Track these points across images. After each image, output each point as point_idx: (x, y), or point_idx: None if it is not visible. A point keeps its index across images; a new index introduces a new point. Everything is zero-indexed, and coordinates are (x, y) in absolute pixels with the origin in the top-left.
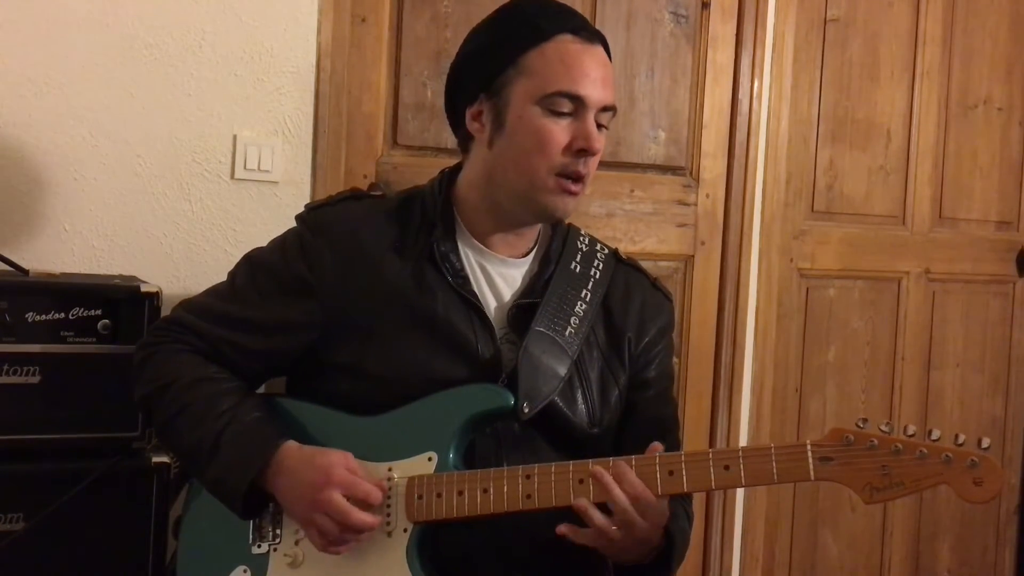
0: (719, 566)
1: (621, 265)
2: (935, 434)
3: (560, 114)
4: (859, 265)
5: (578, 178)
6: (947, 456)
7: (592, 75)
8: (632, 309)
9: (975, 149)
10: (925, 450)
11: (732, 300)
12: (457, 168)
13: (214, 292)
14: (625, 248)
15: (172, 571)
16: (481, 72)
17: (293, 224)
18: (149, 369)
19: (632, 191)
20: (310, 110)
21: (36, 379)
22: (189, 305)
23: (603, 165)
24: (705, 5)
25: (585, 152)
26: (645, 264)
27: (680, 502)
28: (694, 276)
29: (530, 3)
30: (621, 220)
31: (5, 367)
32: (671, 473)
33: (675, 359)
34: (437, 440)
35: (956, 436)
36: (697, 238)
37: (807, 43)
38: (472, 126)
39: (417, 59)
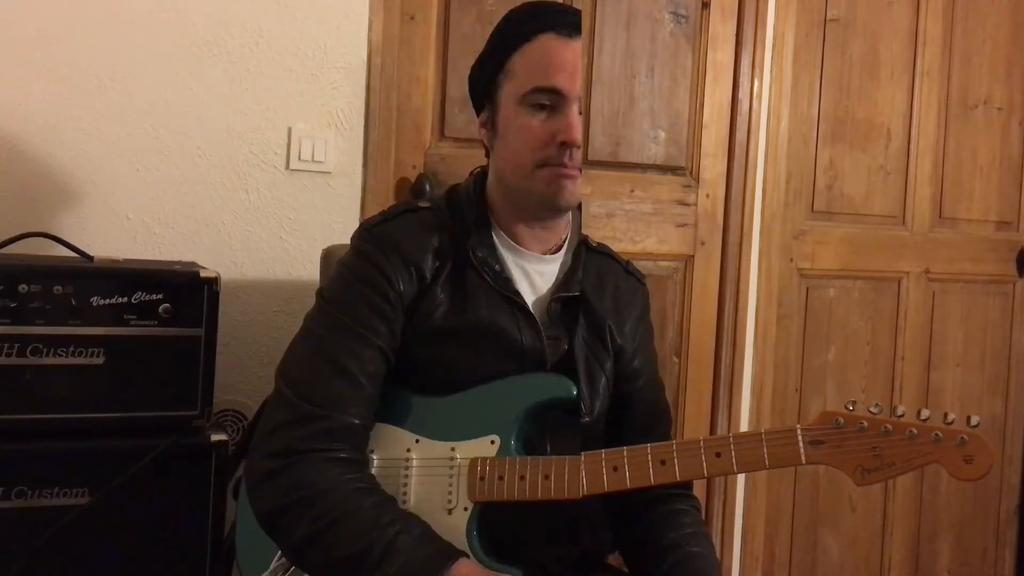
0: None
1: (591, 252)
2: (924, 414)
3: (540, 107)
4: (859, 265)
5: (566, 168)
6: (936, 435)
7: (570, 68)
8: (607, 296)
9: (975, 149)
10: (915, 430)
11: (732, 300)
12: (487, 168)
13: (319, 357)
14: (625, 248)
15: (231, 543)
16: (481, 82)
17: (338, 214)
18: (285, 479)
19: (632, 191)
20: (361, 104)
21: (100, 360)
22: (305, 387)
23: (603, 165)
24: (705, 5)
25: (567, 144)
26: (645, 264)
27: (687, 509)
28: (694, 276)
29: (520, 8)
30: (621, 220)
31: (71, 348)
32: (663, 463)
33: (675, 359)
34: (500, 424)
35: (945, 415)
36: (697, 238)
37: (807, 43)
38: (481, 134)
39: (464, 55)
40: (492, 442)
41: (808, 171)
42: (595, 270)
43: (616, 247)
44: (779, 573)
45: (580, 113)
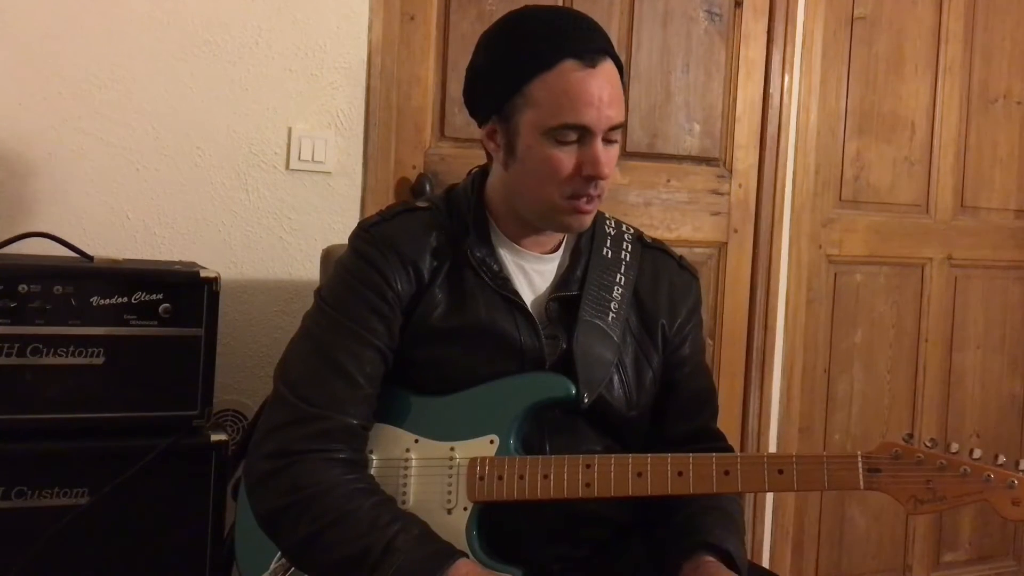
0: (752, 539)
1: (647, 249)
2: (976, 453)
3: (567, 143)
4: (885, 251)
5: (590, 199)
6: (988, 476)
7: (595, 102)
8: (662, 293)
9: (995, 141)
10: (968, 468)
11: (763, 285)
12: (486, 169)
13: (317, 358)
14: (662, 235)
15: (231, 543)
16: (490, 94)
17: (338, 214)
18: (285, 480)
19: (668, 181)
20: (361, 104)
21: (100, 360)
22: (303, 388)
23: (641, 156)
24: (738, 4)
25: (593, 178)
26: (680, 250)
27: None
28: (727, 262)
29: (533, 20)
30: (658, 209)
31: (71, 348)
32: (727, 473)
33: (709, 341)
34: (499, 424)
35: (996, 456)
36: (730, 226)
37: (835, 40)
38: (488, 144)
39: (463, 55)
40: (491, 442)
41: (836, 162)
42: (650, 267)
43: (653, 234)
44: (808, 545)
45: (614, 141)
